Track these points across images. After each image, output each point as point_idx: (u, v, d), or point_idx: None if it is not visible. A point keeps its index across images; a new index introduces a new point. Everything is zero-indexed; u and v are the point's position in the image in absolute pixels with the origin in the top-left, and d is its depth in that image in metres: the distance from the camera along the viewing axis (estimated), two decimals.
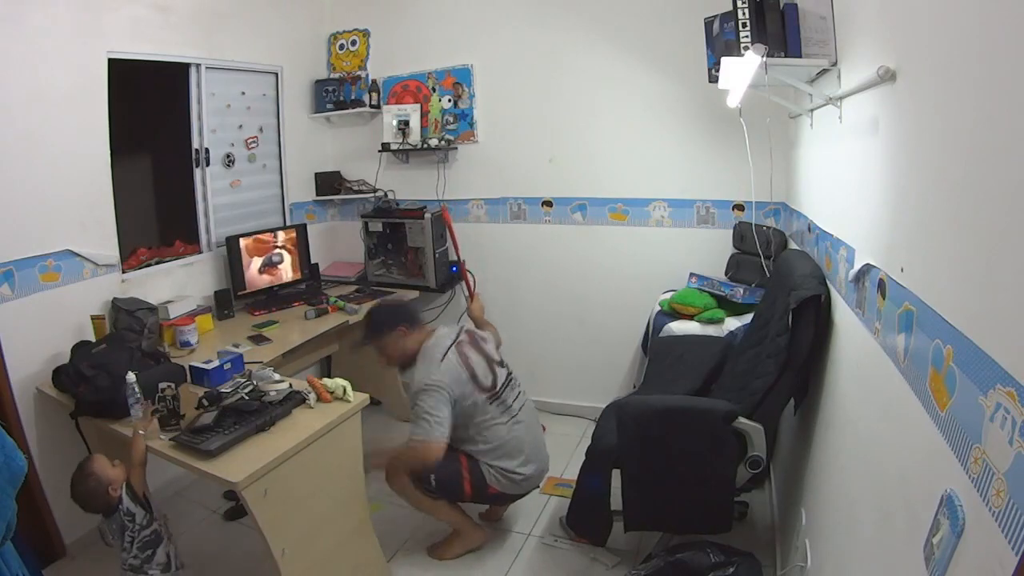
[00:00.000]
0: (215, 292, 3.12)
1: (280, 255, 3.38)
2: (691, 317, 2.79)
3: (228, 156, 3.26)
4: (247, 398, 1.91)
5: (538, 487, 2.46)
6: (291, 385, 2.02)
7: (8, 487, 1.38)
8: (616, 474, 2.09)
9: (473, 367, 2.25)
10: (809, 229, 2.21)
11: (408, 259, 3.63)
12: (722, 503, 1.96)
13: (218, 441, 1.72)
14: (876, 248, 1.27)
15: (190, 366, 2.24)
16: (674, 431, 1.96)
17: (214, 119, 3.15)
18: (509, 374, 2.39)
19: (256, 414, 1.85)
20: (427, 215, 3.45)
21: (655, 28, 3.06)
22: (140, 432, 1.82)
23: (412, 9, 3.56)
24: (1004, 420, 0.65)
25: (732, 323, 2.72)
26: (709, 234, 3.16)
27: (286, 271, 3.41)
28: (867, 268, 1.31)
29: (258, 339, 2.79)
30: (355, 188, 3.78)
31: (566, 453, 3.11)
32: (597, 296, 3.43)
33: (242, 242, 3.19)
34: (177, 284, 3.00)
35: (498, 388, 2.30)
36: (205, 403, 1.92)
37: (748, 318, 2.58)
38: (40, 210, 2.34)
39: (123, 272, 2.72)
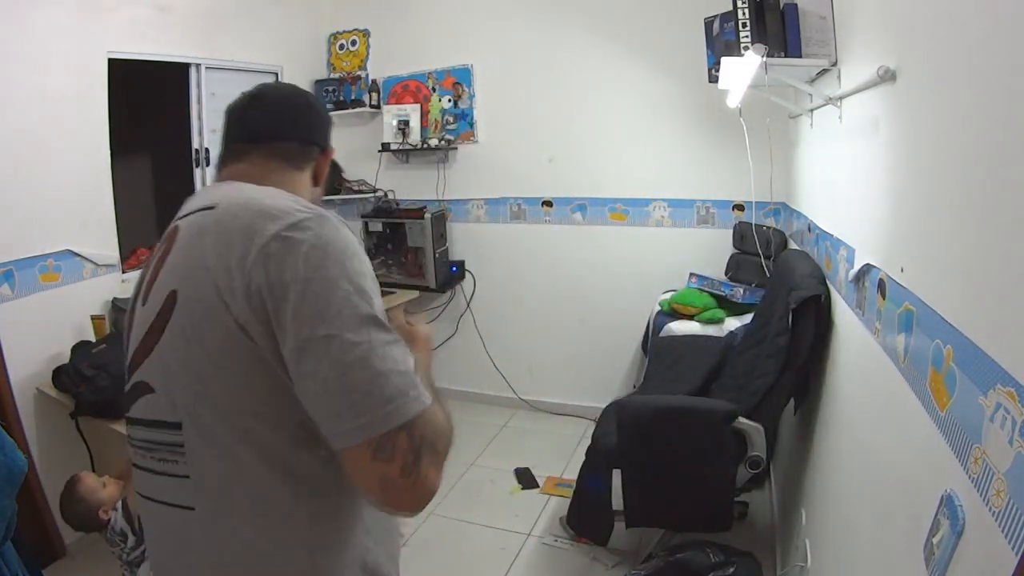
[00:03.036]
0: None
1: None
2: (691, 317, 2.79)
3: None
4: None
5: None
6: None
7: (8, 487, 1.38)
8: (616, 474, 2.09)
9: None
10: (809, 229, 2.21)
11: (408, 259, 3.63)
12: (722, 503, 1.96)
13: None
14: (876, 248, 1.27)
15: None
16: (674, 431, 1.96)
17: (214, 119, 3.15)
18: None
19: None
20: (427, 215, 3.45)
21: (655, 28, 3.06)
22: None
23: (412, 9, 3.56)
24: (1004, 420, 0.65)
25: (732, 323, 2.72)
26: (709, 234, 3.16)
27: None
28: (867, 268, 1.31)
29: None
30: (355, 188, 3.78)
31: (566, 453, 3.11)
32: (597, 296, 3.43)
33: None
34: None
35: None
36: None
37: (748, 318, 2.58)
38: (40, 210, 2.34)
39: (123, 272, 2.71)
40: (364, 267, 0.73)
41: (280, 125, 0.92)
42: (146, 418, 0.78)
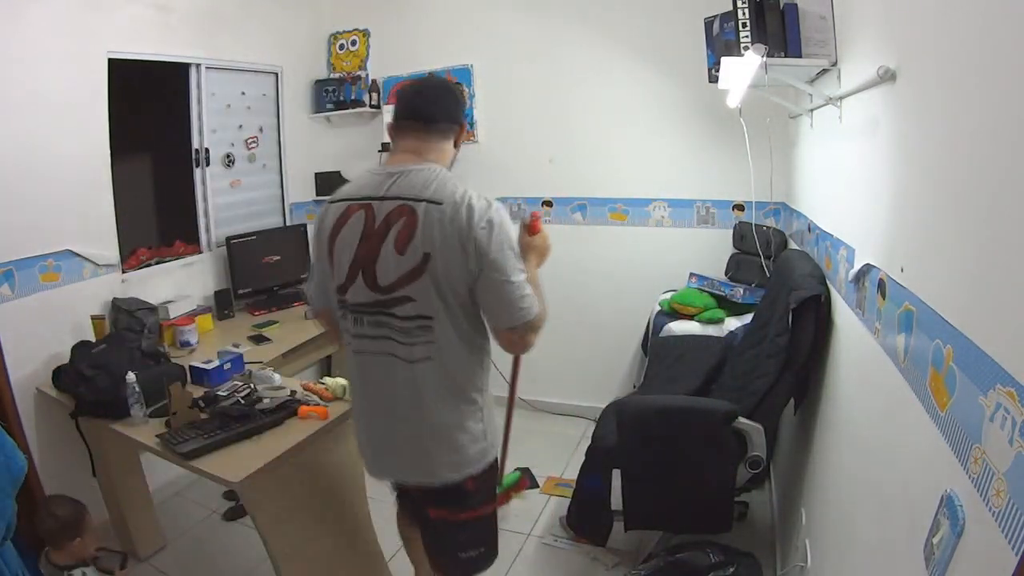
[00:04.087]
0: (215, 292, 3.12)
1: None
2: (691, 317, 2.80)
3: (228, 156, 3.26)
4: (243, 402, 1.91)
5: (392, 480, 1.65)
6: (293, 393, 2.01)
7: (8, 487, 1.38)
8: (616, 474, 2.09)
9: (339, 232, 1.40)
10: (809, 229, 2.21)
11: None
12: (722, 503, 1.96)
13: (193, 444, 1.72)
14: (876, 248, 1.27)
15: (190, 366, 2.24)
16: (674, 431, 1.96)
17: (214, 119, 3.15)
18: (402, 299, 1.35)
19: (244, 420, 1.83)
20: None
21: (655, 28, 3.06)
22: None
23: (412, 9, 3.56)
24: (1004, 420, 0.65)
25: (732, 323, 2.72)
26: (709, 234, 3.16)
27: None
28: (867, 268, 1.31)
29: (258, 339, 2.79)
30: None
31: (566, 453, 3.11)
32: (597, 296, 3.43)
33: None
34: (177, 284, 3.00)
35: (347, 287, 1.41)
36: (201, 404, 1.92)
37: (748, 318, 2.58)
38: (40, 210, 2.34)
39: (123, 272, 2.71)
40: (513, 233, 1.36)
41: (436, 110, 1.41)
42: (409, 315, 1.34)
